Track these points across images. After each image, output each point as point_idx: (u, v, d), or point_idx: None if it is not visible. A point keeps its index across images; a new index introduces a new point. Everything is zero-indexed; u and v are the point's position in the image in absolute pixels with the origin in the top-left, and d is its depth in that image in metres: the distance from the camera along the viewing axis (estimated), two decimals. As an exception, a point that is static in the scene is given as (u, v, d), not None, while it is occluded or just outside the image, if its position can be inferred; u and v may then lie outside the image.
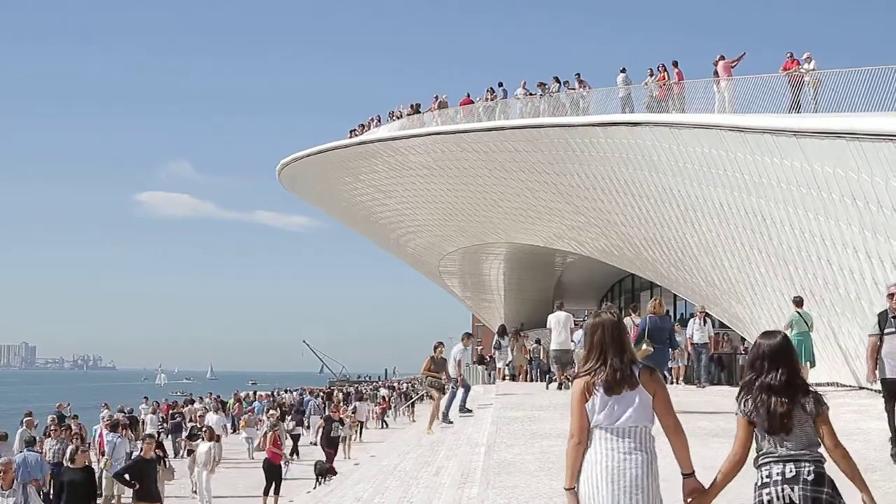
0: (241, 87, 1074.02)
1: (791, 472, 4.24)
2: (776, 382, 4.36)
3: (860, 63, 17.28)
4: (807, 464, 4.25)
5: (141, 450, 15.20)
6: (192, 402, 41.97)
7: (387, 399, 49.72)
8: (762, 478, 4.32)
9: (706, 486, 4.46)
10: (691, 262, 25.49)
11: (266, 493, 19.90)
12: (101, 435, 20.57)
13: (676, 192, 23.13)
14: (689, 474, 4.47)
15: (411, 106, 38.10)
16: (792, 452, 4.29)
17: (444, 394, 17.80)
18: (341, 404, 31.86)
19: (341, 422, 25.58)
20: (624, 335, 4.54)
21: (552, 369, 21.28)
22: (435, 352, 17.63)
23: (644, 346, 13.79)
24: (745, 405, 4.42)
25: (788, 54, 20.51)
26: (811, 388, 4.42)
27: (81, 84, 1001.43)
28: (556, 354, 19.62)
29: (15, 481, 12.93)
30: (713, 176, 20.80)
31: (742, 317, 23.99)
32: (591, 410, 4.43)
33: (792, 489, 4.21)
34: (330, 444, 24.56)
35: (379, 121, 41.06)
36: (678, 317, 37.87)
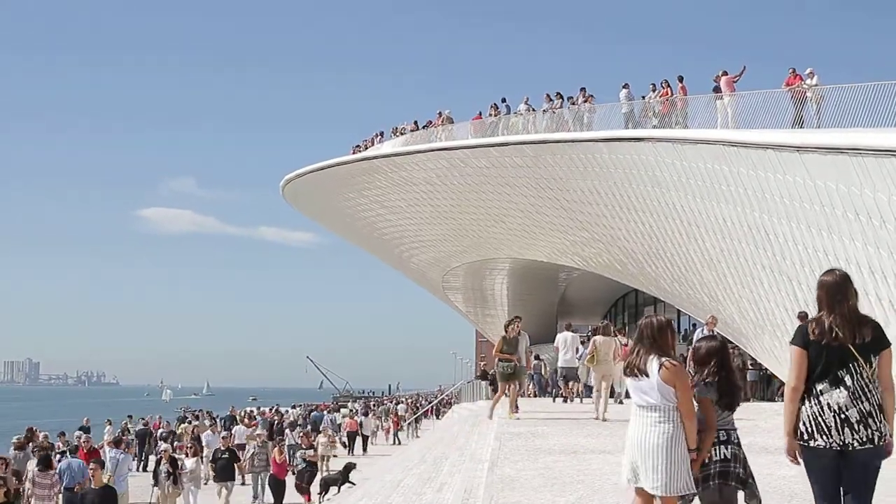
0: (244, 102, 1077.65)
1: (723, 436, 5.75)
2: (727, 373, 5.85)
3: (863, 79, 17.31)
4: (733, 431, 5.81)
5: (90, 476, 14.00)
6: (186, 418, 41.65)
7: (398, 415, 49.89)
8: None
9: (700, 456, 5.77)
10: (694, 277, 25.48)
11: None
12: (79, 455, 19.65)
13: (679, 207, 23.14)
14: (693, 450, 5.64)
15: (415, 122, 38.21)
16: (727, 423, 5.80)
17: (514, 382, 15.84)
18: (310, 433, 29.34)
19: (310, 447, 22.73)
20: (662, 335, 5.73)
21: (559, 384, 22.11)
22: (506, 330, 15.83)
23: None
24: (712, 391, 5.76)
25: (791, 70, 20.56)
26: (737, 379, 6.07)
27: (84, 100, 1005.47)
28: (562, 371, 20.66)
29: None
30: (716, 191, 20.82)
31: (745, 331, 23.98)
32: (631, 391, 5.74)
33: (726, 448, 5.73)
34: (299, 477, 21.71)
35: (382, 136, 41.17)
36: (682, 332, 37.89)
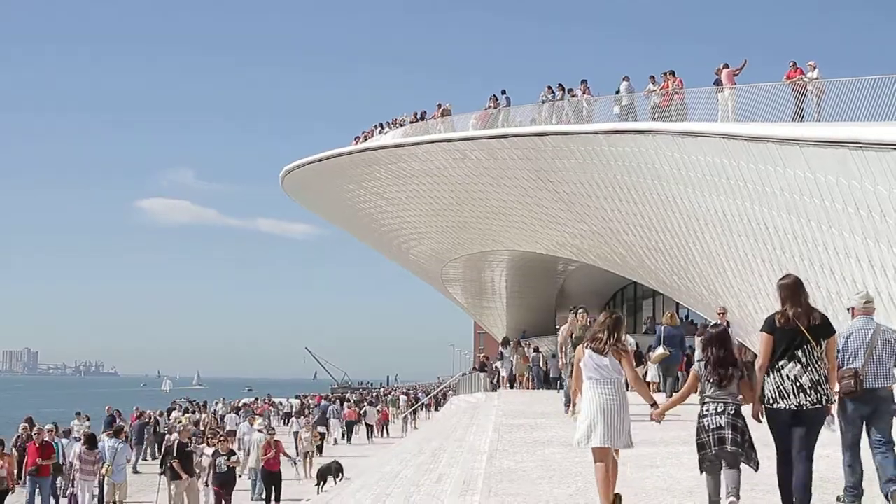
0: (243, 93, 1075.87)
1: (720, 408, 6.92)
2: (721, 355, 7.02)
3: (864, 72, 17.27)
4: (730, 404, 6.93)
5: None
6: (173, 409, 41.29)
7: (388, 407, 50.15)
8: (703, 411, 6.98)
9: (663, 406, 7.53)
10: (694, 270, 25.47)
11: (267, 500, 19.91)
12: (30, 448, 18.72)
13: (679, 200, 23.12)
14: (652, 404, 7.43)
15: (414, 114, 38.13)
16: (721, 397, 6.94)
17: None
18: (224, 432, 24.19)
19: (230, 454, 18.50)
20: (619, 326, 7.32)
21: (562, 376, 22.41)
22: (576, 318, 14.91)
23: (660, 350, 17.19)
24: (700, 367, 7.10)
25: (792, 63, 20.52)
26: (738, 362, 7.12)
27: (82, 91, 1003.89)
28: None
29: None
30: (716, 184, 20.80)
31: (744, 325, 23.97)
32: (584, 367, 7.27)
33: (721, 417, 6.87)
34: (219, 481, 18.09)
35: (382, 128, 41.10)
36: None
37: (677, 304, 32.97)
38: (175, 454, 17.88)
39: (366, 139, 41.38)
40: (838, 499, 7.27)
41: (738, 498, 6.76)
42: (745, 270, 21.90)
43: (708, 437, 6.85)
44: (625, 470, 9.05)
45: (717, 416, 6.87)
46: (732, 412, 6.88)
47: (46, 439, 19.03)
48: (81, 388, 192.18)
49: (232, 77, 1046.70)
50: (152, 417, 32.27)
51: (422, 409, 53.95)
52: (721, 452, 6.80)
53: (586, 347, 7.29)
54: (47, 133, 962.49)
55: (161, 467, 19.56)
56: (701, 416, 6.98)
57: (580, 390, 7.41)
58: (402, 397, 58.55)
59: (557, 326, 50.75)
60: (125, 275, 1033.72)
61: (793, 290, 6.95)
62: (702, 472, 7.01)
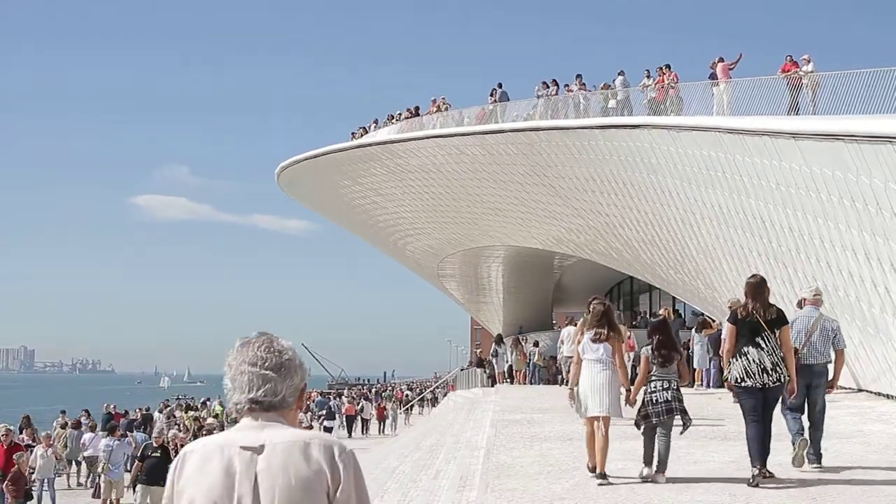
0: (238, 90, 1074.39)
1: (666, 384, 8.59)
2: (663, 340, 8.68)
3: (859, 65, 17.28)
4: (674, 381, 8.63)
5: None
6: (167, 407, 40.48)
7: (381, 405, 50.41)
8: (651, 387, 8.61)
9: (633, 390, 8.94)
10: (690, 264, 25.47)
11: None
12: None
13: (675, 194, 23.11)
14: (627, 389, 8.79)
15: (408, 110, 38.06)
16: (665, 375, 8.61)
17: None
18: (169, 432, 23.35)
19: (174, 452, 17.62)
20: (610, 313, 8.78)
21: (563, 371, 22.88)
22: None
23: None
24: (649, 351, 8.72)
25: (787, 57, 20.52)
26: (677, 345, 8.92)
27: (77, 88, 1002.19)
28: (567, 360, 21.52)
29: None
30: (712, 178, 20.78)
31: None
32: (581, 350, 8.71)
33: (667, 392, 8.55)
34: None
35: (377, 123, 41.03)
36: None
37: (674, 297, 33.01)
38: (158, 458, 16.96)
39: (363, 134, 41.31)
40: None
41: (666, 467, 8.40)
42: (741, 264, 21.88)
43: (656, 408, 8.48)
44: (627, 464, 9.06)
45: (664, 392, 8.53)
46: (675, 387, 8.60)
47: (16, 441, 18.30)
48: (78, 386, 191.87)
49: (228, 72, 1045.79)
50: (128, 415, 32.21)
51: (417, 406, 54.04)
52: (668, 421, 8.45)
53: (585, 335, 8.72)
54: (42, 131, 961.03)
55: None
56: (651, 392, 8.57)
57: (579, 366, 8.72)
58: (408, 392, 58.63)
59: (554, 322, 50.89)
60: (121, 272, 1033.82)
61: (756, 287, 8.43)
62: (639, 429, 8.67)
